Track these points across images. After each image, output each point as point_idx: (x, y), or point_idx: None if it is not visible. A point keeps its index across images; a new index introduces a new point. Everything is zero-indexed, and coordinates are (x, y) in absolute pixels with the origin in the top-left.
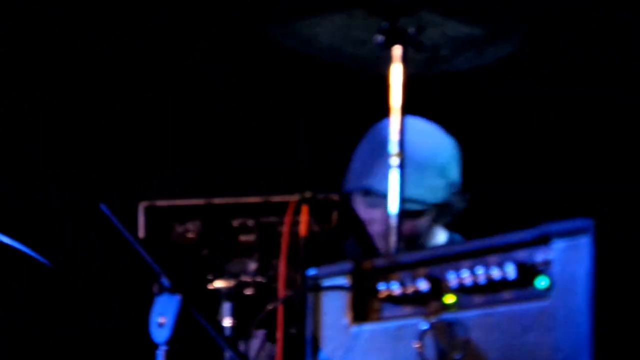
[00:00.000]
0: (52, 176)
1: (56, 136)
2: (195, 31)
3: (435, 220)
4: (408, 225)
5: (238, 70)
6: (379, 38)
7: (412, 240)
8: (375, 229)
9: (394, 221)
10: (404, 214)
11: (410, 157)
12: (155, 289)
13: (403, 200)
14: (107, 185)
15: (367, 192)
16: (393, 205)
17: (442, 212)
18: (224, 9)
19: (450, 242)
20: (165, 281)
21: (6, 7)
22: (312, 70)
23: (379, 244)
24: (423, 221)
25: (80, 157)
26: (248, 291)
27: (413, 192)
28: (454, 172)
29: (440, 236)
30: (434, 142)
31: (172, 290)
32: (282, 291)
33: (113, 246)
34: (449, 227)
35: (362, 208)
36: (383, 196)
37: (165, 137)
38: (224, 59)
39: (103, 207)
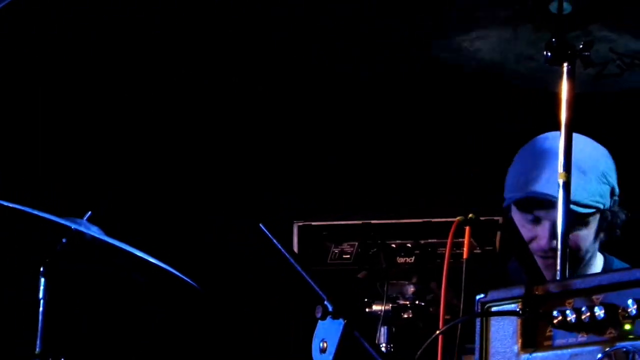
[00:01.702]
0: (206, 197)
1: (211, 158)
2: (355, 49)
3: (598, 233)
4: (571, 238)
5: (398, 86)
6: (547, 54)
7: (574, 259)
8: (539, 245)
9: (559, 235)
10: (570, 220)
11: (573, 163)
12: (318, 312)
13: (570, 204)
14: (262, 204)
15: (533, 200)
16: (558, 217)
17: (605, 222)
18: (387, 25)
19: (610, 265)
20: (328, 305)
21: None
22: (473, 85)
23: (543, 263)
24: (586, 232)
25: (236, 175)
26: (406, 315)
27: (579, 195)
28: (614, 180)
29: (599, 260)
30: (593, 148)
31: (335, 315)
32: (443, 316)
33: (272, 267)
34: (605, 249)
35: (525, 225)
36: (550, 200)
37: (323, 157)
38: (385, 76)
39: (262, 226)
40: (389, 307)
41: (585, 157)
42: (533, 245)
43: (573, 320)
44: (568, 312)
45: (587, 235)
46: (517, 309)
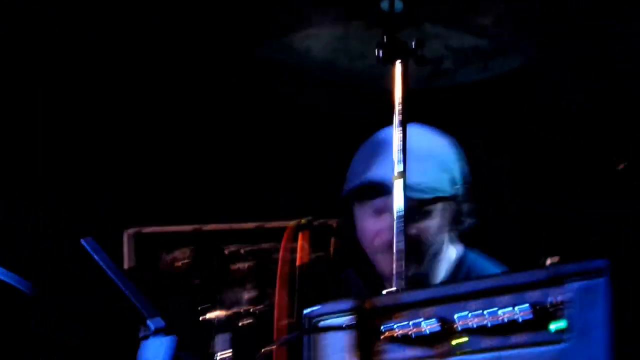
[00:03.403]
0: (37, 202)
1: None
2: (192, 45)
3: (442, 224)
4: (416, 227)
5: (230, 88)
6: (379, 52)
7: (418, 253)
8: (381, 240)
9: (394, 239)
10: (410, 210)
11: (409, 150)
12: (142, 331)
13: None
14: (92, 211)
15: (368, 188)
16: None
17: (448, 212)
18: (217, 26)
19: (463, 260)
20: (153, 323)
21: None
22: (305, 86)
23: (383, 262)
24: (428, 223)
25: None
26: (243, 322)
27: (417, 180)
28: (456, 169)
29: (451, 253)
30: (432, 136)
31: (165, 331)
32: (279, 321)
33: (95, 282)
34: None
35: (367, 219)
36: (384, 187)
37: (154, 161)
38: (213, 75)
39: (84, 242)
40: (225, 314)
41: (422, 145)
42: (377, 242)
43: (404, 335)
44: (398, 326)
45: (429, 226)
46: (346, 323)
